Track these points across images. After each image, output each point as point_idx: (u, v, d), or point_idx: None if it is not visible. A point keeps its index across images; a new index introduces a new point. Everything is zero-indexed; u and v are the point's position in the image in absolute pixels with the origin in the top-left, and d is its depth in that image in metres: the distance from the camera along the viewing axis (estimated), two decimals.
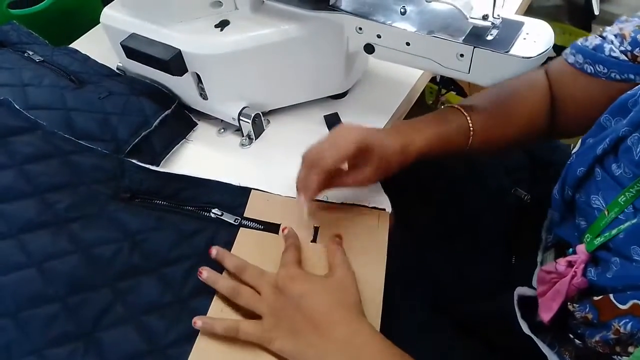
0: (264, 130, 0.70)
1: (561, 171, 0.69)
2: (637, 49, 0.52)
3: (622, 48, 0.53)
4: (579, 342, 0.51)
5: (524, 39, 0.55)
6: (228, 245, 0.55)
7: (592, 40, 0.57)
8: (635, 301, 0.43)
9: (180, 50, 0.62)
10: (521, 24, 0.56)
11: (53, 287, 0.48)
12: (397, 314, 0.56)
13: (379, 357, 0.46)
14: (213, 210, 0.57)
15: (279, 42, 0.63)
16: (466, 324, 0.62)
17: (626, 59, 0.53)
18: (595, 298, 0.47)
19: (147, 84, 0.71)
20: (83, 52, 0.77)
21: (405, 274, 0.65)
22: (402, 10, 0.60)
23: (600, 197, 0.50)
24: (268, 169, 0.66)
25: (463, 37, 0.56)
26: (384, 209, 0.59)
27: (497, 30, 0.56)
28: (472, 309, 0.63)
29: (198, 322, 0.49)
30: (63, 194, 0.55)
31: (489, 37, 0.55)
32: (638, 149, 0.46)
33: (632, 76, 0.53)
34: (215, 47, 0.62)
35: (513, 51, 0.54)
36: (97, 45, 0.79)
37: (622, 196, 0.48)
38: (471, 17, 0.56)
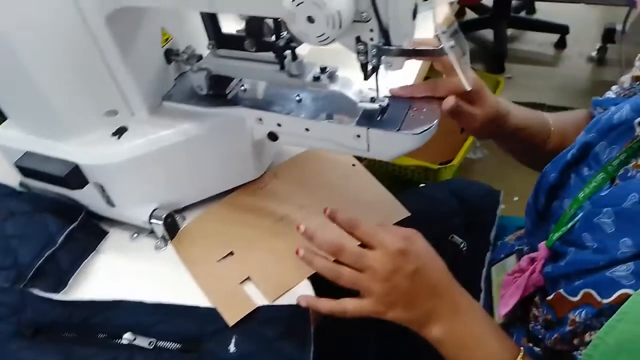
0: (179, 228, 0.68)
1: (493, 217, 0.72)
2: (621, 87, 0.64)
3: (616, 91, 0.65)
4: (538, 349, 0.54)
5: (412, 115, 0.57)
6: None
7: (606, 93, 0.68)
8: (586, 290, 0.45)
9: (77, 164, 0.60)
10: (408, 101, 0.58)
11: None
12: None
13: (480, 320, 0.53)
14: (125, 336, 0.54)
15: (180, 142, 0.62)
16: None
17: (615, 96, 0.65)
18: (549, 298, 0.50)
19: (51, 198, 0.68)
20: None
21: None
22: (298, 98, 0.62)
23: (571, 199, 0.54)
24: (187, 270, 0.63)
25: (356, 120, 0.58)
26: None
27: (388, 110, 0.58)
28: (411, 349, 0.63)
29: (302, 302, 0.54)
30: None
31: (380, 118, 0.57)
32: (605, 154, 0.53)
33: (613, 108, 0.63)
34: (112, 156, 0.61)
35: (403, 129, 0.56)
36: None
37: (582, 192, 0.52)
38: (360, 101, 0.58)
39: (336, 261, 0.54)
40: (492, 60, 2.17)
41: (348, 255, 0.52)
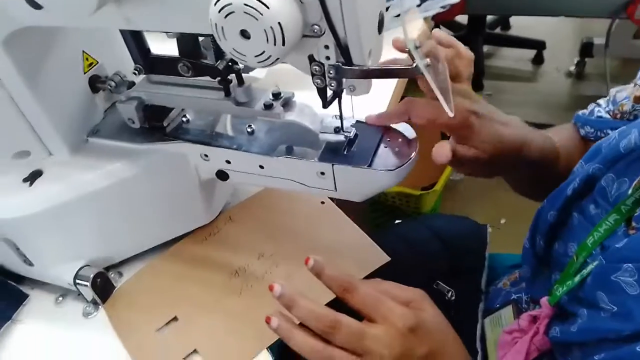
0: (114, 287, 0.57)
1: (482, 260, 0.62)
2: (617, 106, 0.55)
3: (607, 109, 0.57)
4: None
5: (386, 147, 0.48)
6: None
7: (590, 107, 0.59)
8: None
9: None
10: (380, 129, 0.49)
11: None
12: None
13: None
14: None
15: (109, 186, 0.52)
16: None
17: (609, 117, 0.56)
18: None
19: None
20: None
21: None
22: (250, 130, 0.52)
23: (576, 244, 0.45)
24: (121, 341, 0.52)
25: (319, 154, 0.48)
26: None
27: (356, 141, 0.48)
28: None
29: None
30: None
31: (347, 151, 0.48)
32: (613, 189, 0.43)
33: (609, 131, 0.54)
34: (23, 207, 0.50)
35: (375, 164, 0.46)
36: None
37: (591, 237, 0.43)
38: (322, 132, 0.48)
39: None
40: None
41: (345, 335, 0.40)
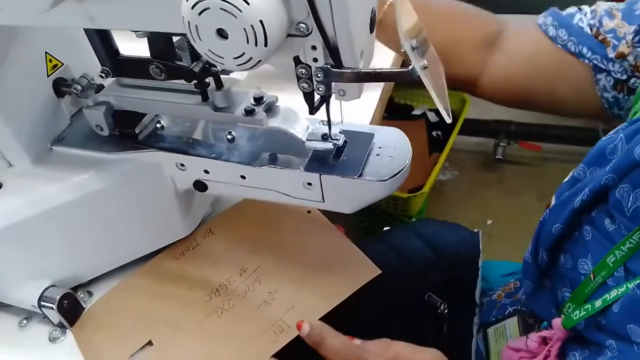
0: (83, 309, 0.52)
1: (475, 270, 0.60)
2: (602, 27, 0.50)
3: (591, 22, 0.51)
4: None
5: (377, 154, 0.45)
6: None
7: (569, 9, 0.54)
8: None
9: None
10: (371, 136, 0.46)
11: None
12: None
13: None
14: None
15: (76, 200, 0.47)
16: None
17: (589, 32, 0.51)
18: None
19: None
20: None
21: None
22: (229, 137, 0.48)
23: (589, 260, 0.43)
24: None
25: (305, 164, 0.44)
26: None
27: (345, 149, 0.45)
28: None
29: None
30: None
31: (336, 160, 0.44)
32: (629, 202, 0.40)
33: (585, 50, 0.51)
34: None
35: (366, 174, 0.43)
36: None
37: (611, 255, 0.40)
38: (308, 139, 0.44)
39: None
40: None
41: None
